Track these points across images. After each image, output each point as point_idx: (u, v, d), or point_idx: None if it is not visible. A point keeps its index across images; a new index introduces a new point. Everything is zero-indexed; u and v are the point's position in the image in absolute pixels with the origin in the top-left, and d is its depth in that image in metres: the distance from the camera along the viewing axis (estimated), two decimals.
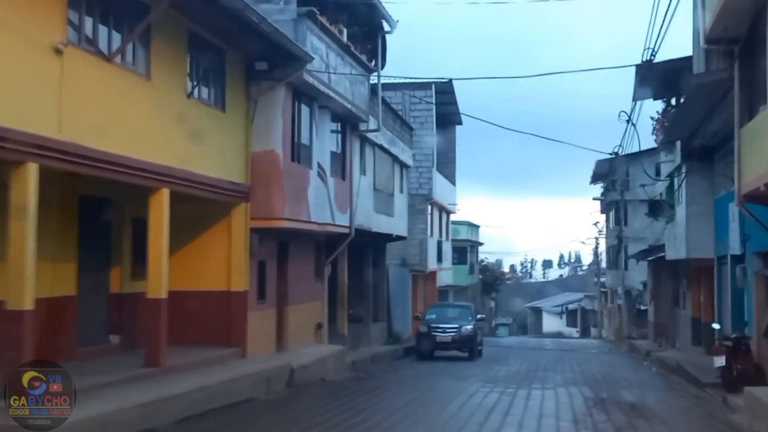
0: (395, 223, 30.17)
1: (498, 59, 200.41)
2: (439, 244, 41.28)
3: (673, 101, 26.72)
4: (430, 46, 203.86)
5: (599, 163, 61.43)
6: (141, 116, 13.84)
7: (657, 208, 57.24)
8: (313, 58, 18.33)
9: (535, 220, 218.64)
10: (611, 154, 27.78)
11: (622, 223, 53.88)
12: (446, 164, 45.53)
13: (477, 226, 63.02)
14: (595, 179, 67.79)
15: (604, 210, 69.55)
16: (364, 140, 25.44)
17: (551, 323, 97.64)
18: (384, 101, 26.40)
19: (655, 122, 26.97)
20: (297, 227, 19.00)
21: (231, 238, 17.61)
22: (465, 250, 56.50)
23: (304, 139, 19.51)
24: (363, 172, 25.39)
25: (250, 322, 17.89)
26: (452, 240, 53.58)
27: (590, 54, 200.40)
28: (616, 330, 45.31)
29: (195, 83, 15.92)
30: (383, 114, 27.09)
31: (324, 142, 21.00)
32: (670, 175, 27.86)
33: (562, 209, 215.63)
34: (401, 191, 31.82)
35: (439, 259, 41.20)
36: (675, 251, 27.57)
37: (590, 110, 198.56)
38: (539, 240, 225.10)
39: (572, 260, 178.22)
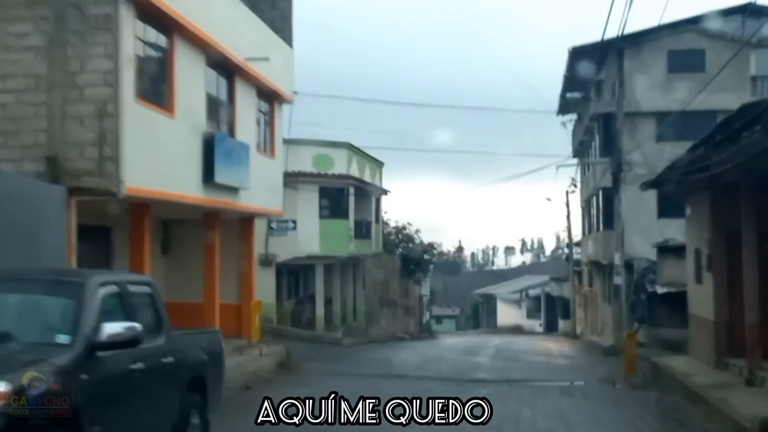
0: None
1: None
2: (213, 141, 16.84)
3: None
4: None
5: (576, 54, 37.16)
6: None
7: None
8: None
9: (494, 207, 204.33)
10: None
11: (619, 140, 29.81)
12: (272, 3, 22.60)
13: (376, 162, 37.86)
14: (565, 95, 43.46)
15: (580, 145, 45.48)
16: None
17: (508, 314, 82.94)
18: None
19: None
20: None
21: None
22: (343, 195, 31.47)
23: None
24: None
25: None
26: (318, 175, 29.60)
27: None
28: (627, 337, 21.24)
29: None
30: None
31: None
32: None
33: (522, 195, 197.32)
34: None
35: (210, 174, 16.82)
36: None
37: None
38: (499, 225, 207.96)
39: (534, 246, 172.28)
